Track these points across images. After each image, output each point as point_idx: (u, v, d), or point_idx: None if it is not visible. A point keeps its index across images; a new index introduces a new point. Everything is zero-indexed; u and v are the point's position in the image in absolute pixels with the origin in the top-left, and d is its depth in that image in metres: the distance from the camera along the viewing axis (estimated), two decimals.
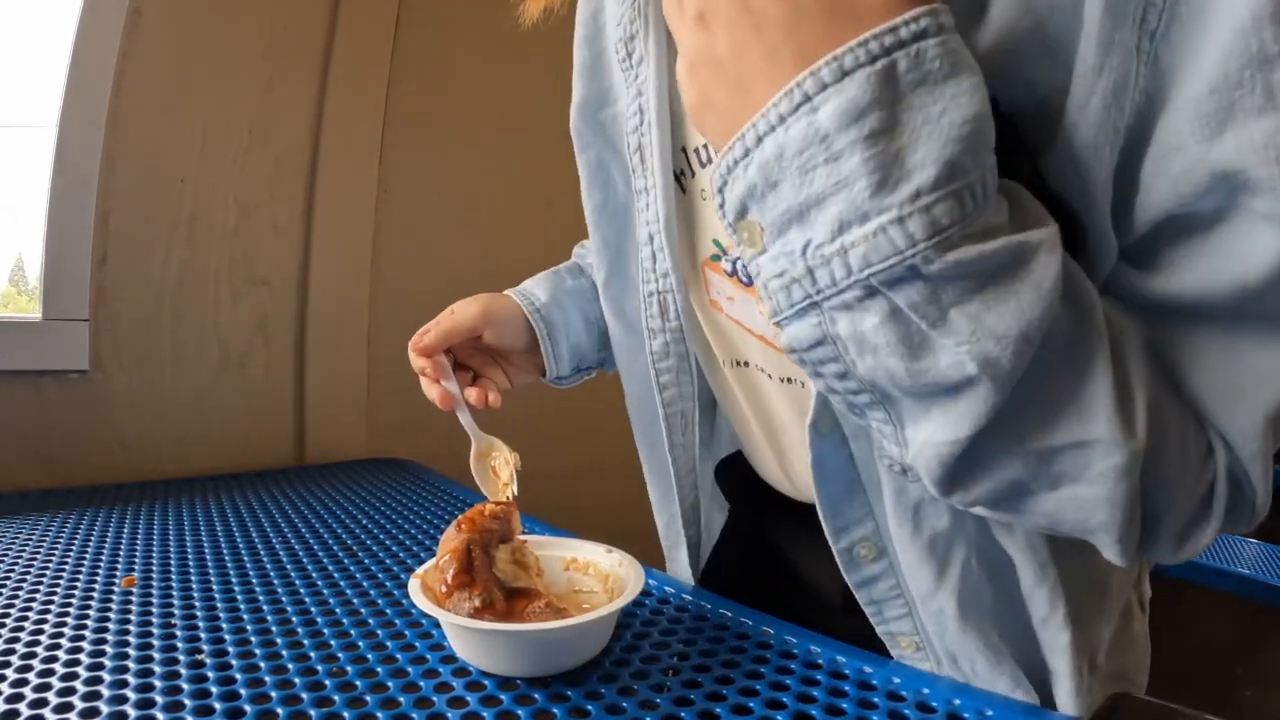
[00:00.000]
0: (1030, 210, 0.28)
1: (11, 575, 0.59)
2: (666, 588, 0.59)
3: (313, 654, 0.47)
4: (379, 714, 0.40)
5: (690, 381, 0.51)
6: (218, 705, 0.40)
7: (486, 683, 0.44)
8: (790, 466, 0.51)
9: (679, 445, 0.53)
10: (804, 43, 0.25)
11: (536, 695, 0.42)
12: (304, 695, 0.42)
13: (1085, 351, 0.28)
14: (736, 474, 0.59)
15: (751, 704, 0.42)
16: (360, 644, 0.48)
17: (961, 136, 0.24)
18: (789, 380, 0.46)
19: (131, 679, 0.43)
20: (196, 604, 0.54)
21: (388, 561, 0.65)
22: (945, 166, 0.24)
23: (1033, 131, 0.30)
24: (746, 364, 0.49)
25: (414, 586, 0.46)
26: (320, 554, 0.67)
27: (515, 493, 0.54)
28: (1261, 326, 0.29)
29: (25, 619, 0.51)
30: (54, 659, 0.45)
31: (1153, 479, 0.30)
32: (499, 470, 0.55)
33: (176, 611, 0.53)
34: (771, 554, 0.58)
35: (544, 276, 0.67)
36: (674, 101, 0.46)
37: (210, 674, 0.44)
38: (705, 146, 0.45)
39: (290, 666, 0.45)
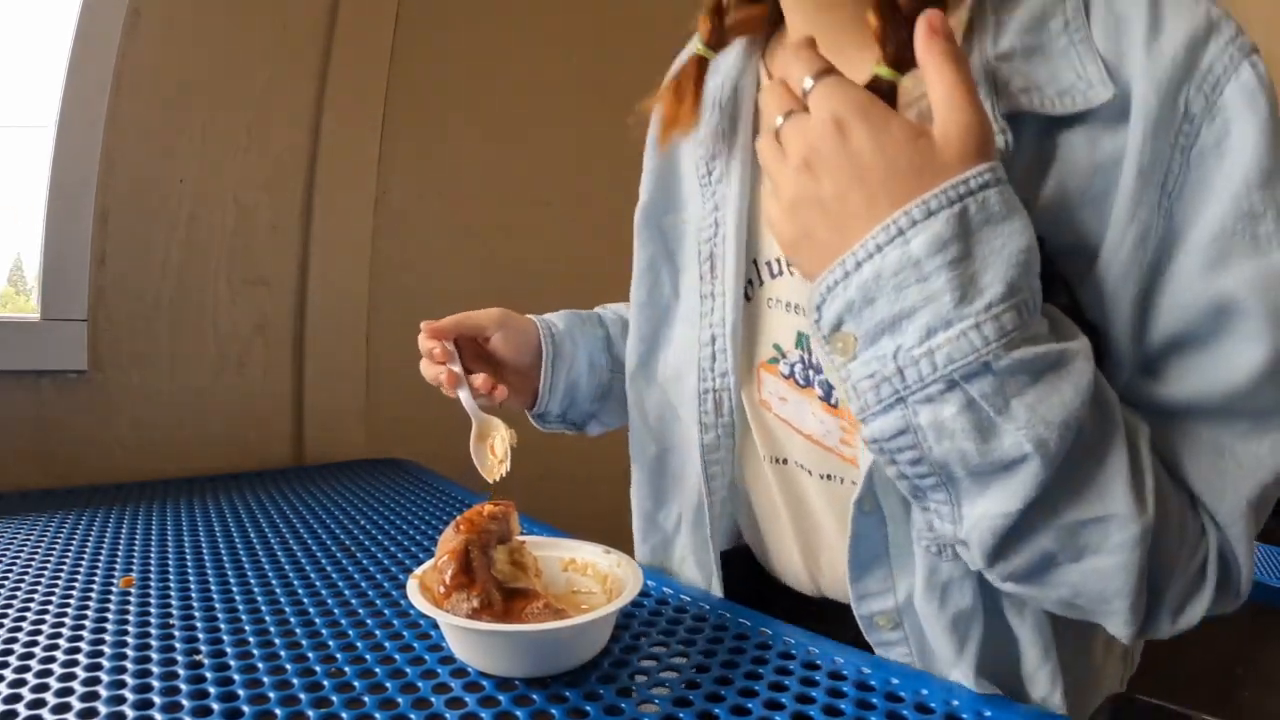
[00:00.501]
0: (1067, 326, 0.35)
1: (10, 575, 0.59)
2: (665, 589, 0.59)
3: (311, 654, 0.47)
4: (377, 715, 0.40)
5: (731, 473, 0.54)
6: (215, 706, 0.40)
7: (485, 683, 0.44)
8: (816, 559, 0.53)
9: (717, 534, 0.56)
10: (897, 191, 0.31)
11: (535, 696, 0.42)
12: (302, 696, 0.42)
13: (1107, 442, 0.34)
14: (733, 569, 0.59)
15: (750, 704, 0.42)
16: (358, 645, 0.48)
17: (1019, 263, 0.31)
18: (828, 477, 0.50)
19: (129, 679, 0.43)
20: (195, 604, 0.54)
21: (386, 562, 0.65)
22: (1008, 285, 0.31)
23: (1072, 267, 0.38)
24: (786, 461, 0.52)
25: (412, 587, 0.46)
26: (319, 554, 0.67)
27: (508, 469, 0.54)
28: (1244, 423, 0.36)
29: (24, 619, 0.51)
30: (52, 659, 0.45)
31: (1157, 553, 0.35)
32: (495, 448, 0.55)
33: (175, 612, 0.53)
34: None
35: (565, 313, 0.68)
36: (751, 218, 0.50)
37: (208, 674, 0.44)
38: (777, 260, 0.49)
39: (288, 667, 0.45)
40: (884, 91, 0.35)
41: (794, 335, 0.49)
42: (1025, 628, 0.43)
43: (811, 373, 0.49)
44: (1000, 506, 0.33)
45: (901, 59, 0.36)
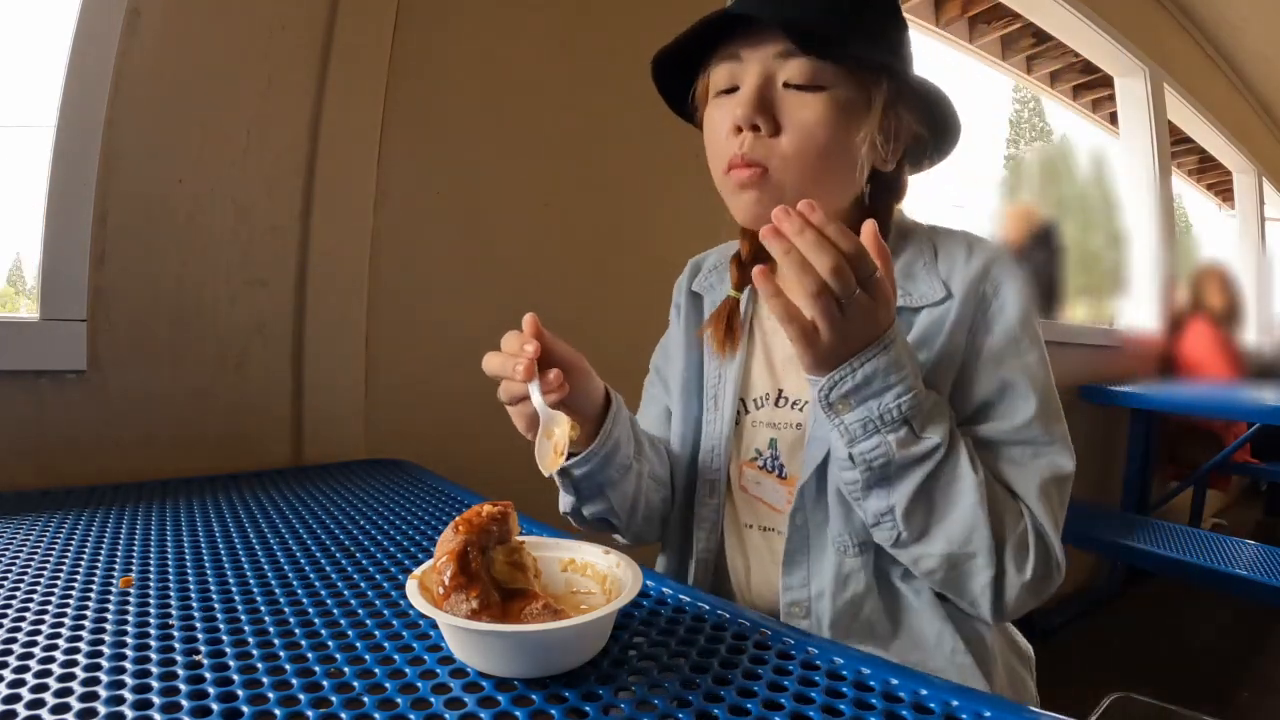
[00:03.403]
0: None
1: (9, 576, 0.59)
2: (664, 588, 0.59)
3: (310, 655, 0.47)
4: (376, 715, 0.40)
5: (716, 537, 0.77)
6: (215, 706, 0.40)
7: (484, 684, 0.44)
8: (753, 579, 0.75)
9: (699, 574, 0.78)
10: (873, 331, 0.55)
11: (534, 696, 0.42)
12: (301, 696, 0.42)
13: (956, 440, 0.59)
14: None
15: (749, 705, 0.42)
16: (358, 645, 0.48)
17: (917, 362, 0.60)
18: (768, 529, 0.74)
19: (129, 679, 0.43)
20: (194, 605, 0.54)
21: (385, 563, 0.65)
22: (919, 372, 0.59)
23: (925, 366, 0.64)
24: (751, 526, 0.76)
25: (412, 588, 0.46)
26: (318, 555, 0.67)
27: (566, 455, 0.59)
28: (1028, 447, 0.63)
29: (23, 619, 0.51)
30: (51, 659, 0.45)
31: (993, 507, 0.59)
32: (557, 442, 0.58)
33: (174, 612, 0.53)
34: None
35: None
36: (743, 375, 0.77)
37: (208, 675, 0.44)
38: (759, 397, 0.76)
39: (288, 667, 0.45)
40: None
41: (768, 440, 0.74)
42: (922, 601, 0.65)
43: (774, 461, 0.74)
44: (916, 480, 0.58)
45: None
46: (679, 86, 0.72)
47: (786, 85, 0.64)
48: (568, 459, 0.66)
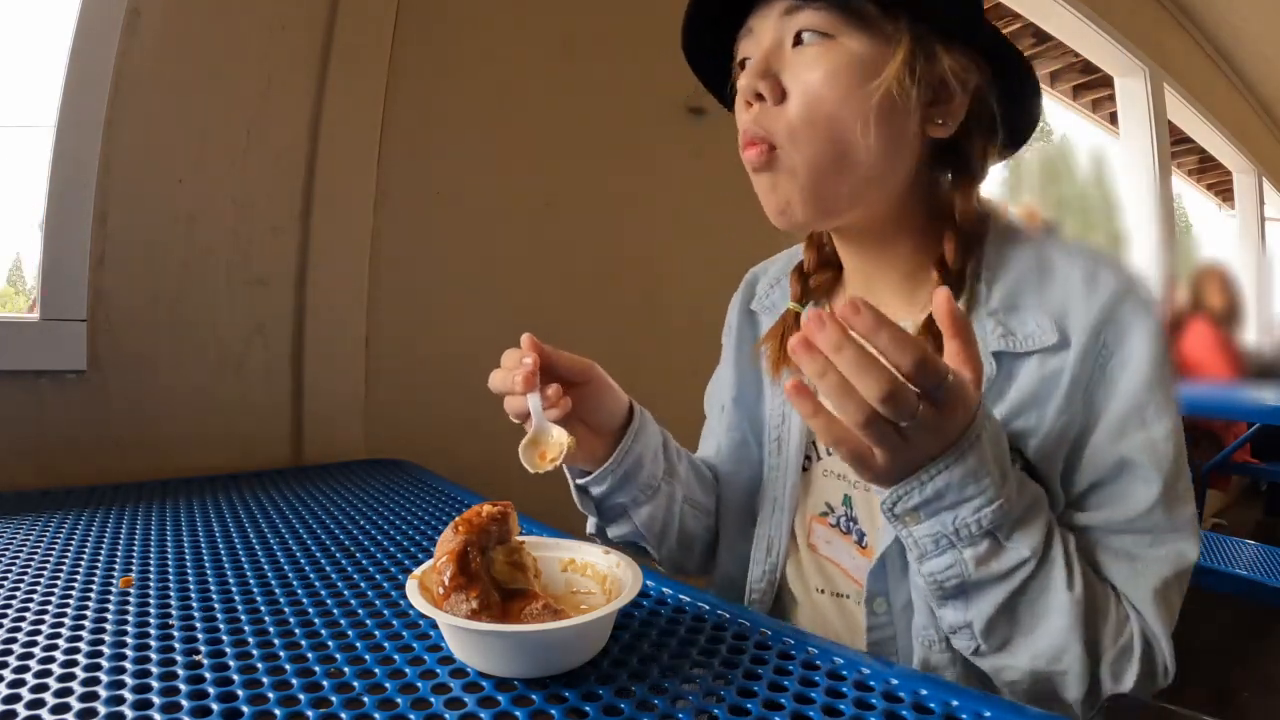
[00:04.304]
0: (1029, 479, 0.52)
1: (9, 576, 0.59)
2: (664, 588, 0.59)
3: (310, 655, 0.47)
4: (376, 715, 0.40)
5: (770, 600, 0.70)
6: (215, 706, 0.40)
7: (484, 684, 0.44)
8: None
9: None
10: (945, 440, 0.45)
11: (534, 696, 0.42)
12: (301, 696, 0.42)
13: (1052, 549, 0.50)
14: None
15: (749, 705, 0.42)
16: (358, 645, 0.48)
17: (1006, 452, 0.49)
18: (841, 595, 0.66)
19: (129, 679, 0.43)
20: (194, 604, 0.54)
21: (385, 563, 0.65)
22: (1008, 471, 0.48)
23: (1023, 442, 0.55)
24: (823, 591, 0.67)
25: (411, 588, 0.46)
26: (318, 555, 0.67)
27: (559, 465, 0.56)
28: (1146, 537, 0.54)
29: (23, 619, 0.51)
30: (51, 659, 0.45)
31: (1092, 623, 0.50)
32: (548, 452, 0.56)
33: (174, 612, 0.53)
34: None
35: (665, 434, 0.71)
36: None
37: (208, 675, 0.44)
38: None
39: (288, 667, 0.45)
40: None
41: (841, 495, 0.66)
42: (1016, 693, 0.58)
43: (851, 523, 0.65)
44: (999, 597, 0.49)
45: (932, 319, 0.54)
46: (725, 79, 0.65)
47: (796, 45, 0.56)
48: (586, 477, 0.64)
